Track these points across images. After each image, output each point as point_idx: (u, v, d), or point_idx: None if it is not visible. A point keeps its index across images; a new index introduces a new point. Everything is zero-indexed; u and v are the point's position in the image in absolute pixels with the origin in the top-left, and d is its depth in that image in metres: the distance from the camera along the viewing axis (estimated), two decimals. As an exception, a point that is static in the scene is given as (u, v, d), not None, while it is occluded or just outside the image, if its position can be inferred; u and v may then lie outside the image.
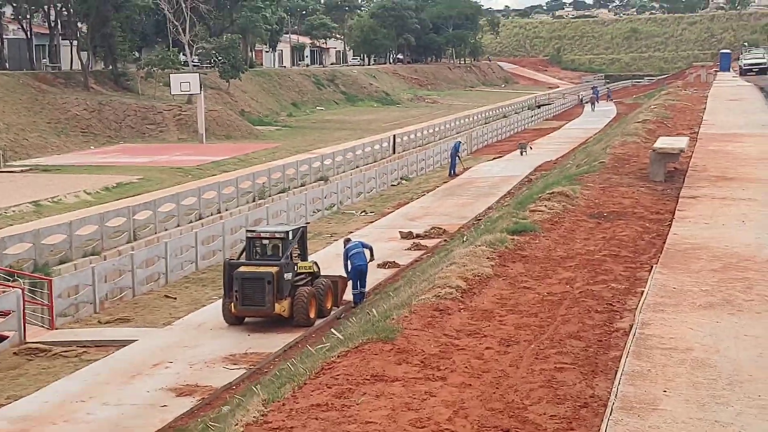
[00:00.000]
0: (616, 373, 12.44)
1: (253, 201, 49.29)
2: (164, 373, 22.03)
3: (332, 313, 26.97)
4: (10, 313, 25.19)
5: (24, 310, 25.57)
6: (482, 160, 68.39)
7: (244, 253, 26.53)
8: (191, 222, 43.35)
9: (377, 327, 13.98)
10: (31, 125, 70.91)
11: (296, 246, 26.60)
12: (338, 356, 12.95)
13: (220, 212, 46.06)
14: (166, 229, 41.36)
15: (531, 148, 70.28)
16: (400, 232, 38.63)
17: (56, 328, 26.76)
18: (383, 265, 32.62)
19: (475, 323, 14.68)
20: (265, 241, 26.40)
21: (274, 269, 25.32)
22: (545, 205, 24.31)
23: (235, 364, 22.62)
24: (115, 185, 52.53)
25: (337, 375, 12.05)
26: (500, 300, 16.08)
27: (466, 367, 12.65)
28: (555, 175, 39.15)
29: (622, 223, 23.14)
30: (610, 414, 11.00)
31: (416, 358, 12.77)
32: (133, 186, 53.15)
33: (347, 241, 29.65)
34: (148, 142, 75.46)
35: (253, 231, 26.85)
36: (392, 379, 11.96)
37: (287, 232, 26.27)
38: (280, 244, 26.09)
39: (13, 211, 44.37)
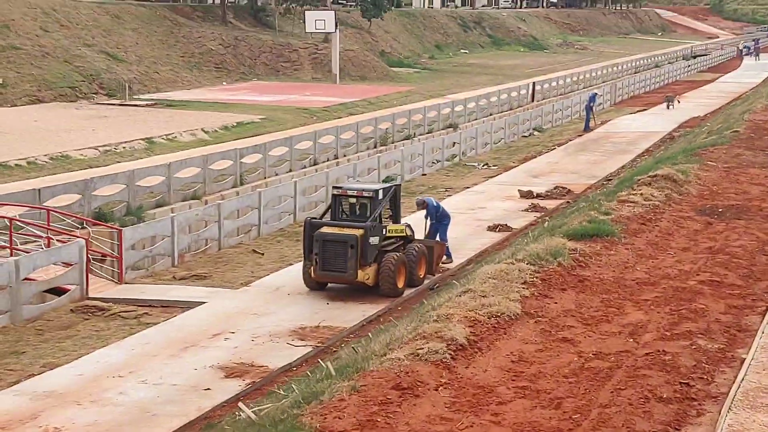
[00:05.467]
0: None
1: (375, 147, 46.78)
2: (221, 346, 19.69)
3: (425, 282, 24.23)
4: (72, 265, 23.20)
5: (88, 262, 23.52)
6: (625, 113, 64.36)
7: (329, 212, 23.95)
8: (304, 167, 41.19)
9: (275, 422, 8.97)
10: (163, 58, 69.77)
11: (387, 206, 23.88)
12: None
13: (337, 158, 43.77)
14: (276, 174, 39.27)
15: (679, 101, 66.05)
16: (519, 190, 35.58)
17: (125, 283, 24.69)
18: (494, 228, 29.77)
19: (451, 417, 9.21)
20: (352, 200, 23.71)
21: (358, 232, 22.68)
22: (641, 193, 19.27)
23: (302, 339, 20.12)
24: (235, 124, 50.76)
25: None
26: (514, 365, 10.66)
27: None
28: (679, 143, 34.39)
29: (740, 224, 17.91)
30: None
31: None
32: (254, 126, 51.31)
33: (421, 203, 26.72)
34: (282, 80, 73.65)
35: (340, 188, 24.19)
36: None
37: (376, 191, 23.55)
38: (369, 204, 23.41)
39: (124, 147, 42.93)
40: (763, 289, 13.96)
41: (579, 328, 12.06)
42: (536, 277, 13.69)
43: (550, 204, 33.51)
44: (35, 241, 25.89)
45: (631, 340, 11.87)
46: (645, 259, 15.34)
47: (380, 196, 23.47)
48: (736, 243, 16.60)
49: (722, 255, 15.80)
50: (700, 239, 16.92)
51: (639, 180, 20.47)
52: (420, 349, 10.73)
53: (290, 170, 40.23)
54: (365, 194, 23.57)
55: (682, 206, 19.11)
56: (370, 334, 15.32)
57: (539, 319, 12.27)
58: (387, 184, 25.21)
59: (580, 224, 16.71)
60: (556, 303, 12.87)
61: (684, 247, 16.29)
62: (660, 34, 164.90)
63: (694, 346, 11.72)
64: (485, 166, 44.15)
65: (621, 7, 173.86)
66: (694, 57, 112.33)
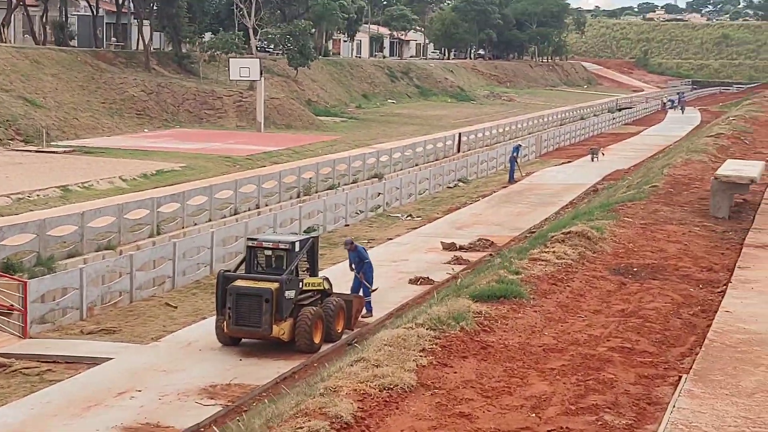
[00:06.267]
0: None
1: (298, 197, 46.07)
2: (126, 405, 18.75)
3: (343, 337, 23.50)
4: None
5: (-11, 315, 22.48)
6: (550, 164, 64.49)
7: (244, 264, 23.16)
8: (225, 217, 40.31)
9: None
10: (83, 104, 68.41)
11: (305, 258, 23.15)
12: None
13: (258, 207, 42.98)
14: (195, 224, 38.33)
15: (603, 154, 66.49)
16: (442, 242, 35.07)
17: (30, 337, 23.60)
18: (415, 281, 29.17)
19: None
20: (268, 252, 22.98)
21: (273, 285, 21.91)
22: (554, 251, 18.29)
23: (212, 398, 19.26)
24: (154, 172, 49.63)
25: None
26: None
27: None
28: (600, 197, 33.88)
29: (656, 284, 16.95)
30: None
31: None
32: (175, 174, 50.24)
33: (350, 243, 26.10)
34: (205, 127, 72.65)
35: (255, 239, 23.45)
36: None
37: (293, 243, 22.81)
38: (285, 256, 22.68)
39: (38, 195, 41.60)
40: (676, 356, 12.99)
41: (478, 401, 11.02)
42: (436, 344, 12.57)
43: (472, 256, 32.99)
44: (-65, 293, 24.75)
45: (533, 414, 10.87)
46: (554, 323, 14.31)
47: (297, 248, 22.75)
48: (650, 305, 15.67)
49: (635, 318, 14.86)
50: (613, 301, 15.92)
51: (552, 237, 19.39)
52: (300, 428, 9.62)
53: (210, 220, 39.36)
54: (281, 246, 22.84)
55: (595, 265, 18.14)
56: (266, 400, 14.42)
57: (436, 391, 11.21)
58: (304, 236, 24.51)
59: (487, 284, 15.51)
60: (455, 373, 11.78)
61: (595, 310, 15.30)
62: (586, 86, 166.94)
63: (600, 422, 10.76)
64: (409, 217, 43.68)
65: (548, 59, 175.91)
66: (619, 110, 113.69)
